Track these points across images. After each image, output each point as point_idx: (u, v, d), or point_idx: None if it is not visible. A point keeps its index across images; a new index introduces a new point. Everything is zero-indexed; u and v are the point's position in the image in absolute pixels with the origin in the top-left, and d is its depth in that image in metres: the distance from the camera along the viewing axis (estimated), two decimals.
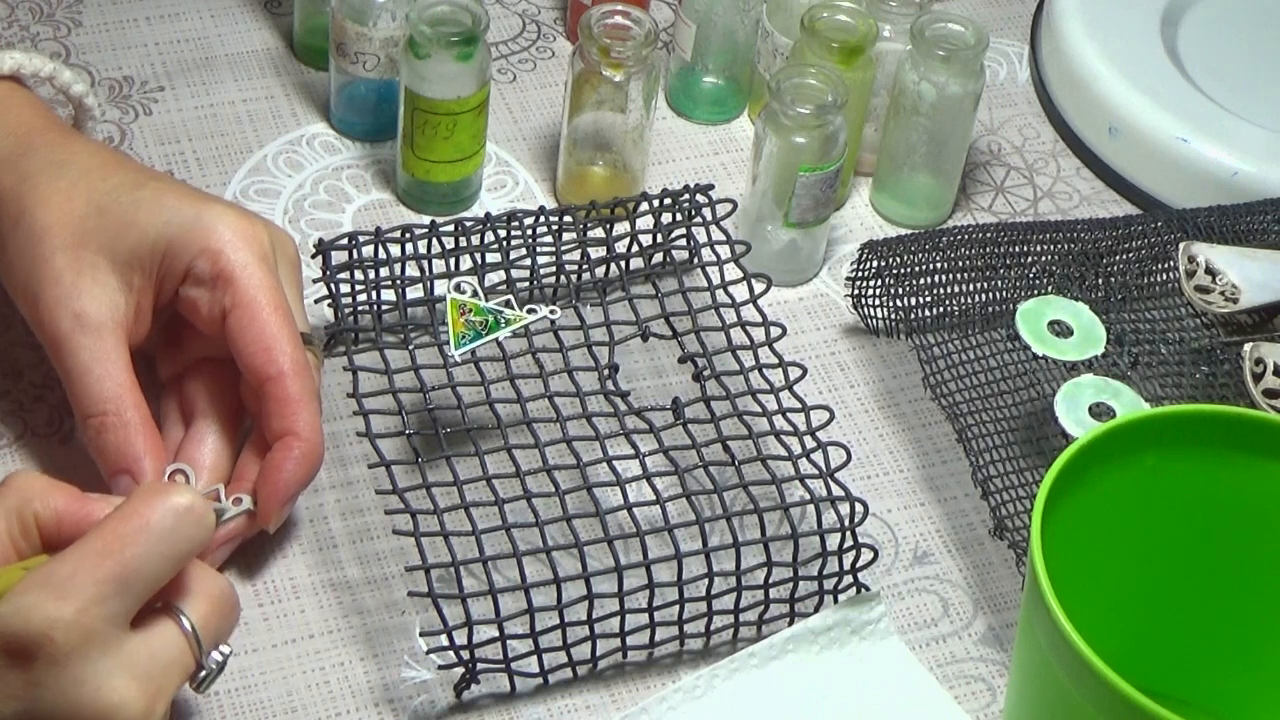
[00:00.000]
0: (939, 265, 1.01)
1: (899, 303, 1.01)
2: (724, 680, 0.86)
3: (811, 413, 0.91)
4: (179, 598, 0.76)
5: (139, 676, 0.72)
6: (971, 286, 1.02)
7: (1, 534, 0.75)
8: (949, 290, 1.01)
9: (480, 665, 0.85)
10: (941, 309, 1.01)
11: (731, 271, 0.98)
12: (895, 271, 1.01)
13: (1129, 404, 0.93)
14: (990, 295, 1.02)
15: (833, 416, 0.92)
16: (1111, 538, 0.84)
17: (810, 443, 0.91)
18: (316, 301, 0.96)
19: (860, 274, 1.02)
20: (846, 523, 0.88)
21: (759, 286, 0.96)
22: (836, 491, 0.89)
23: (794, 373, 0.93)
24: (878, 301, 1.02)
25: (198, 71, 1.13)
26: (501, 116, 1.14)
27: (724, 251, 1.00)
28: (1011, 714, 0.83)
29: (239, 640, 0.87)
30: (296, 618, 0.88)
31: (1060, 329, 0.96)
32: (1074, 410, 0.92)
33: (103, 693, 0.71)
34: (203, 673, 0.76)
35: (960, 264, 1.02)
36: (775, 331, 0.94)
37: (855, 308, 1.03)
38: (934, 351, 0.99)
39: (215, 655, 0.76)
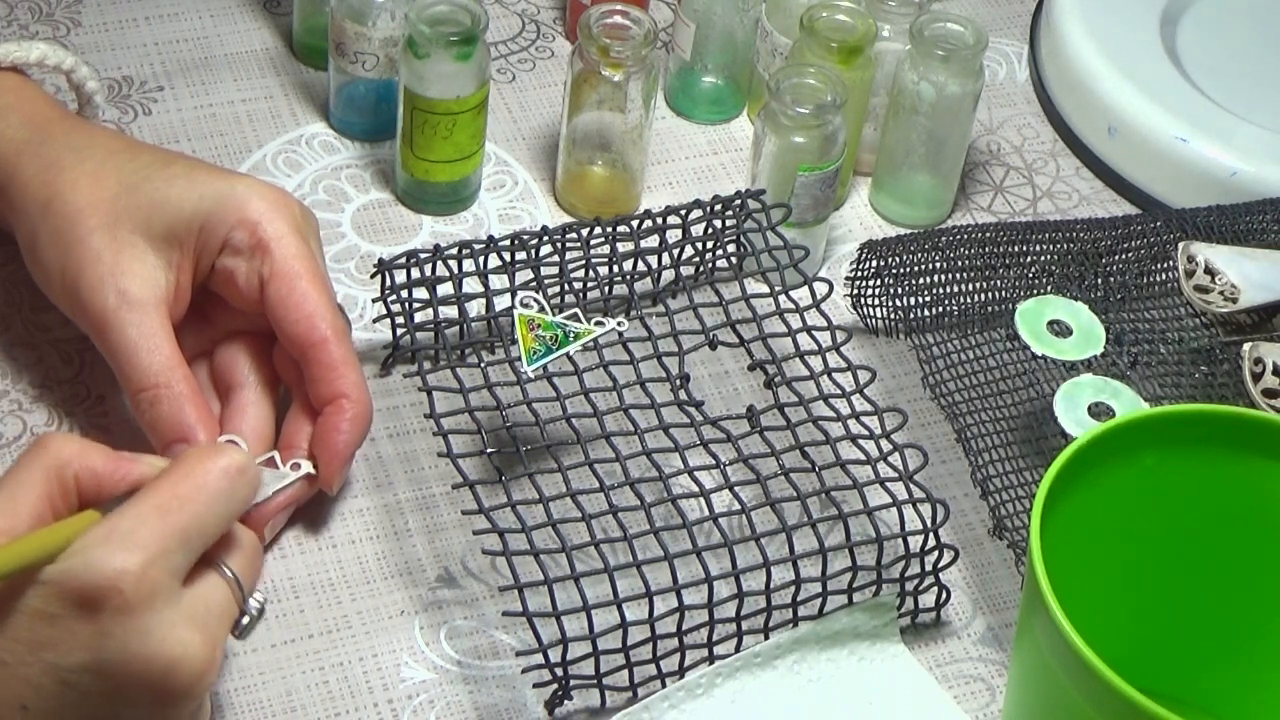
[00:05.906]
0: (938, 265, 1.01)
1: (898, 302, 1.01)
2: (726, 678, 0.86)
3: (885, 416, 0.91)
4: (219, 550, 0.77)
5: (199, 626, 0.74)
6: (971, 286, 1.02)
7: (41, 496, 0.75)
8: (948, 290, 1.01)
9: (573, 680, 0.84)
10: (941, 309, 1.01)
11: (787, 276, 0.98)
12: (894, 271, 1.01)
13: (1128, 404, 0.93)
14: (989, 295, 1.02)
15: (906, 419, 0.92)
16: (1111, 538, 0.84)
17: (886, 445, 0.91)
18: (375, 320, 0.97)
19: (859, 274, 1.02)
20: (929, 524, 0.88)
21: (821, 290, 0.96)
22: (917, 494, 0.89)
23: (863, 376, 0.93)
24: (877, 301, 1.02)
25: (197, 71, 1.13)
26: (501, 116, 1.14)
27: (781, 257, 0.99)
28: (1010, 714, 0.83)
29: (238, 640, 0.87)
30: (296, 617, 0.88)
31: (1059, 329, 0.96)
32: (1073, 410, 0.92)
33: (168, 643, 0.73)
34: (244, 619, 0.78)
35: (959, 264, 1.02)
36: (841, 336, 0.94)
37: (854, 307, 1.03)
38: (933, 351, 0.99)
39: (253, 602, 0.78)
